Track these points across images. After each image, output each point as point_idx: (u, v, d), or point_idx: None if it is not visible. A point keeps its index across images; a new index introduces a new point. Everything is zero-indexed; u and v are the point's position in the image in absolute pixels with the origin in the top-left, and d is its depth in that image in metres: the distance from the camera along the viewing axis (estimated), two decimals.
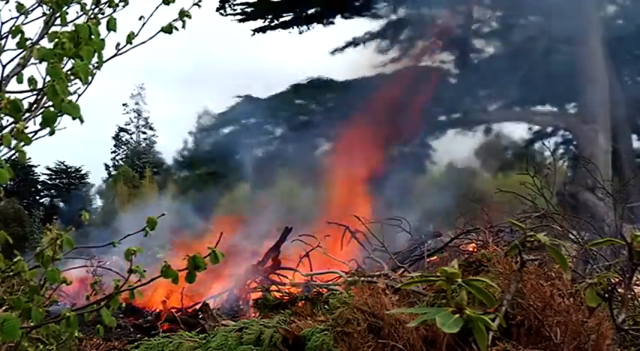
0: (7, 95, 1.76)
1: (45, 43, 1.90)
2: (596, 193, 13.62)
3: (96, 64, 1.95)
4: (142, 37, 2.18)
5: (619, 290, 3.23)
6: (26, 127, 1.76)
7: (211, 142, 21.32)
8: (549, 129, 19.19)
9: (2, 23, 2.01)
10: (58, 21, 1.99)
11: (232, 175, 18.71)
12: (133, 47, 2.18)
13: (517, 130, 19.54)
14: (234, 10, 20.91)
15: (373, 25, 20.01)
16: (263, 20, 20.96)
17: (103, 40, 1.96)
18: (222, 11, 20.75)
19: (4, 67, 1.94)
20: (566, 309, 3.04)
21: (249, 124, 20.93)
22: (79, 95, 1.94)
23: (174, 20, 2.22)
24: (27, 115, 1.82)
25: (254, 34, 21.07)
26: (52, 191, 30.96)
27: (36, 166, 30.12)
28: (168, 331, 5.76)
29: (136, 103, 39.08)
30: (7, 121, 1.80)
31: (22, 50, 1.95)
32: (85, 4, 2.05)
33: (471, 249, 7.23)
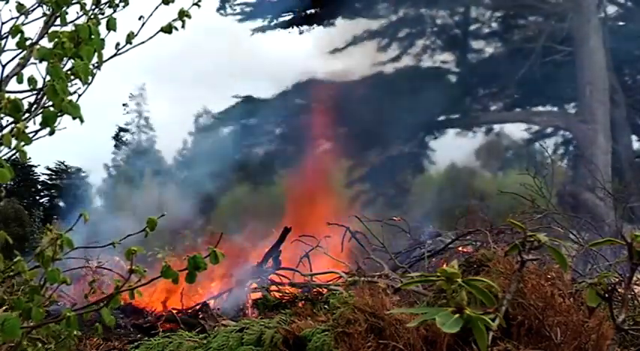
0: (7, 95, 1.76)
1: (45, 43, 1.90)
2: (597, 193, 13.62)
3: (96, 64, 1.95)
4: (142, 37, 2.18)
5: (619, 290, 3.24)
6: (26, 127, 1.76)
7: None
8: (549, 129, 19.19)
9: (2, 23, 2.00)
10: (58, 21, 1.99)
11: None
12: (133, 47, 2.18)
13: (517, 131, 19.54)
14: (234, 10, 20.92)
15: (373, 25, 20.01)
16: (263, 20, 20.96)
17: (102, 39, 1.96)
18: (222, 11, 20.76)
19: (4, 67, 1.94)
20: (566, 309, 3.04)
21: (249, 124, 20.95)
22: (79, 95, 1.94)
23: (173, 20, 2.21)
24: (27, 115, 1.82)
25: (253, 34, 21.07)
26: (52, 191, 30.94)
27: (36, 166, 30.08)
28: (168, 331, 5.76)
29: (137, 104, 39.02)
30: (7, 121, 1.80)
31: (21, 50, 1.95)
32: (85, 4, 2.05)
33: (470, 250, 7.23)
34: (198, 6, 2.28)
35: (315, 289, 6.72)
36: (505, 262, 3.53)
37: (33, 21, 2.03)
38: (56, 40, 1.82)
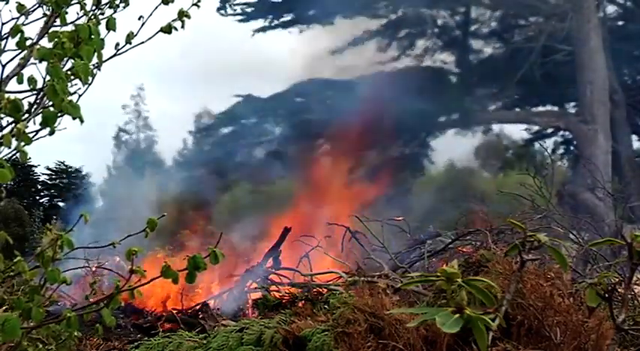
0: (7, 95, 1.76)
1: (45, 43, 1.90)
2: (596, 193, 13.63)
3: (96, 64, 1.95)
4: (142, 37, 2.18)
5: (619, 290, 3.24)
6: (26, 127, 1.76)
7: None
8: (549, 129, 19.20)
9: (2, 23, 2.00)
10: (58, 21, 1.99)
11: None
12: (133, 47, 2.18)
13: (517, 131, 19.55)
14: (235, 10, 20.94)
15: (373, 25, 20.00)
16: (263, 20, 20.98)
17: (102, 39, 1.96)
18: (222, 11, 20.78)
19: (4, 67, 1.94)
20: (566, 309, 3.04)
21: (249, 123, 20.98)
22: (79, 95, 1.94)
23: (173, 20, 2.21)
24: (27, 115, 1.82)
25: (254, 34, 21.08)
26: (52, 191, 30.93)
27: (36, 166, 30.08)
28: (168, 331, 5.76)
29: (136, 104, 38.98)
30: (7, 121, 1.80)
31: (21, 50, 1.95)
32: (85, 4, 2.04)
33: (470, 250, 7.22)
34: (198, 6, 2.28)
35: (315, 289, 6.72)
36: (505, 262, 3.53)
37: (33, 21, 2.03)
38: (56, 40, 1.82)
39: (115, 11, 2.13)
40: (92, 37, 1.87)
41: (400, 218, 9.63)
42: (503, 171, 19.64)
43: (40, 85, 1.89)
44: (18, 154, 1.77)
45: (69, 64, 1.85)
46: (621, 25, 18.59)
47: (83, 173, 31.73)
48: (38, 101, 1.90)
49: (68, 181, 31.09)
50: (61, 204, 29.79)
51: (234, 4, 20.84)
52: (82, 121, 1.86)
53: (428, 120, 18.52)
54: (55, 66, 1.78)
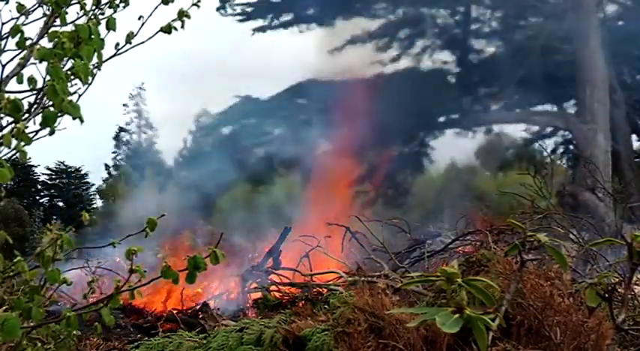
0: (7, 95, 1.76)
1: (45, 43, 1.90)
2: (596, 193, 13.62)
3: (96, 64, 1.95)
4: (142, 37, 2.17)
5: (619, 290, 3.24)
6: (26, 127, 1.76)
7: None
8: (549, 129, 19.18)
9: (2, 23, 2.00)
10: (58, 21, 1.99)
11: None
12: (132, 47, 2.18)
13: (517, 131, 19.53)
14: (234, 10, 20.93)
15: (373, 25, 19.98)
16: (263, 20, 20.97)
17: (102, 39, 1.96)
18: (222, 11, 20.76)
19: (4, 67, 1.94)
20: (566, 309, 3.04)
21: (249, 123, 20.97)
22: (79, 95, 1.94)
23: (173, 20, 2.21)
24: (27, 115, 1.82)
25: (254, 34, 21.07)
26: (52, 191, 30.96)
27: (36, 166, 30.12)
28: (168, 331, 5.76)
29: (136, 104, 38.98)
30: (7, 121, 1.80)
31: (21, 50, 1.95)
32: (85, 4, 2.04)
33: (471, 250, 7.23)
34: (198, 6, 2.27)
35: (315, 289, 6.72)
36: (505, 262, 3.53)
37: (33, 21, 2.03)
38: (56, 40, 1.82)
39: (114, 11, 2.12)
40: (92, 37, 1.87)
41: (397, 220, 9.63)
42: (504, 171, 19.62)
43: (40, 85, 1.89)
44: (18, 154, 1.76)
45: (69, 64, 1.84)
46: (621, 25, 18.58)
47: (82, 173, 31.74)
48: (38, 101, 1.89)
49: (68, 181, 31.12)
50: (61, 204, 29.76)
51: (234, 4, 20.83)
52: (82, 121, 1.86)
53: (428, 120, 18.50)
54: (55, 66, 1.77)
